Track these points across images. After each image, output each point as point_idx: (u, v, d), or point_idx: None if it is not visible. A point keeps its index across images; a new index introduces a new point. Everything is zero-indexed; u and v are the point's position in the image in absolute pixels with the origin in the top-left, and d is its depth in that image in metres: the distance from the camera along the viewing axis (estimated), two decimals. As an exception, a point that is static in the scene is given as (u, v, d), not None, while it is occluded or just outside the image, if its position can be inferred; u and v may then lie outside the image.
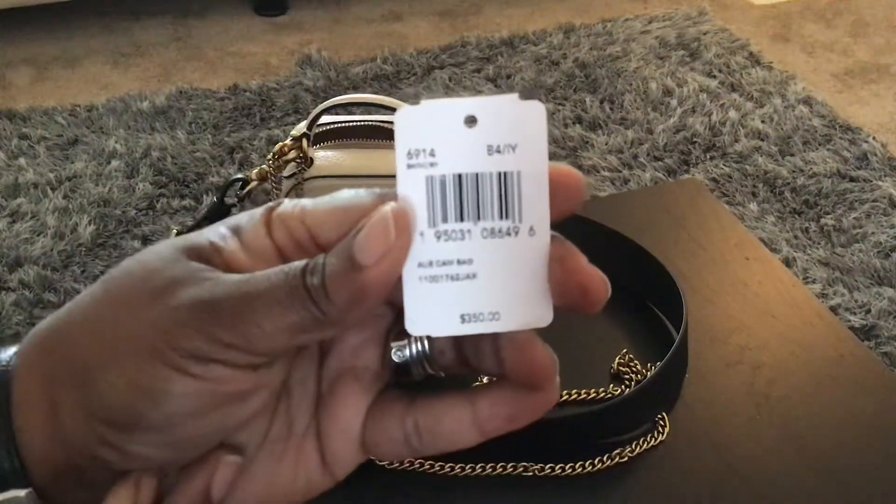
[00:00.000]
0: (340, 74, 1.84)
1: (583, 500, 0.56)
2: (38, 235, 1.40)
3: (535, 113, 0.28)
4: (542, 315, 0.29)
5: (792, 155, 1.61)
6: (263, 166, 0.88)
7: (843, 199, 1.50)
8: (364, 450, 0.31)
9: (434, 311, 0.28)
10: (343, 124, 0.97)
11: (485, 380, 0.49)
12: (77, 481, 0.29)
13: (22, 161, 1.57)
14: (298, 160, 0.91)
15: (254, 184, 0.87)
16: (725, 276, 0.72)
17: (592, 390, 0.62)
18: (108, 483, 0.29)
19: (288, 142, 0.91)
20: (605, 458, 0.57)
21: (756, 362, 0.64)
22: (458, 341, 0.31)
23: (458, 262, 0.28)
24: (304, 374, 0.31)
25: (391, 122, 0.98)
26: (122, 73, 1.90)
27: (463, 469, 0.56)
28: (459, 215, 0.28)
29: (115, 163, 1.56)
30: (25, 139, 1.64)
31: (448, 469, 0.56)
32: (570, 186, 0.28)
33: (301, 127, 0.93)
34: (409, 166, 0.28)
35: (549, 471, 0.56)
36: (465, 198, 0.28)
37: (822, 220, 1.46)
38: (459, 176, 0.28)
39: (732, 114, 1.70)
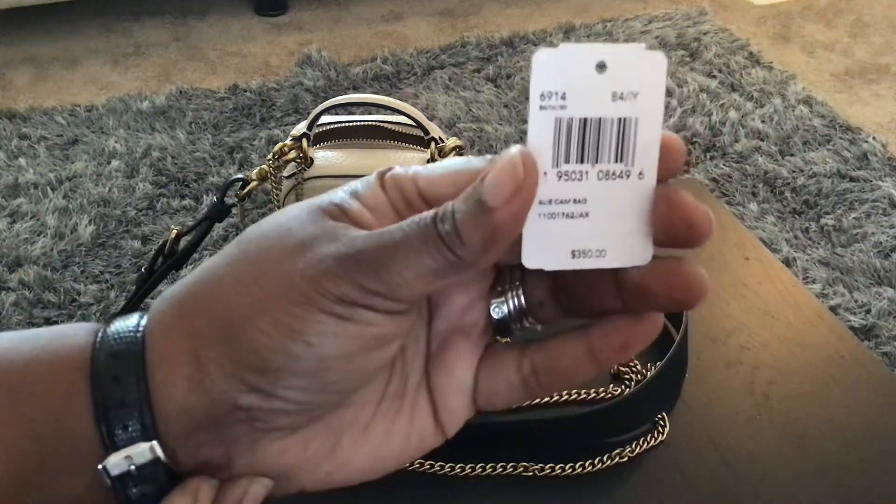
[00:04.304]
0: (340, 74, 1.84)
1: (583, 500, 0.56)
2: (38, 235, 1.40)
3: (658, 63, 0.29)
4: (644, 254, 0.30)
5: (792, 155, 1.61)
6: (263, 166, 0.88)
7: (843, 199, 1.50)
8: (476, 404, 0.33)
9: (549, 247, 0.30)
10: (343, 124, 0.97)
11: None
12: (214, 435, 0.30)
13: (22, 161, 1.57)
14: (298, 160, 0.91)
15: (254, 184, 0.87)
16: (725, 276, 0.72)
17: (592, 390, 0.62)
18: (245, 438, 0.30)
19: (288, 142, 0.91)
20: (605, 458, 0.57)
21: (756, 362, 0.64)
22: (556, 292, 0.32)
23: (574, 201, 0.30)
24: (416, 332, 0.33)
25: (391, 123, 0.98)
26: (122, 73, 1.90)
27: (463, 469, 0.56)
28: (580, 157, 0.29)
29: (115, 163, 1.56)
30: (25, 139, 1.64)
31: (448, 469, 0.56)
32: (672, 150, 0.29)
33: (301, 127, 0.93)
34: (542, 108, 0.29)
35: (549, 471, 0.56)
36: (587, 141, 0.29)
37: (822, 220, 1.46)
38: (585, 120, 0.29)
39: (732, 114, 1.70)
